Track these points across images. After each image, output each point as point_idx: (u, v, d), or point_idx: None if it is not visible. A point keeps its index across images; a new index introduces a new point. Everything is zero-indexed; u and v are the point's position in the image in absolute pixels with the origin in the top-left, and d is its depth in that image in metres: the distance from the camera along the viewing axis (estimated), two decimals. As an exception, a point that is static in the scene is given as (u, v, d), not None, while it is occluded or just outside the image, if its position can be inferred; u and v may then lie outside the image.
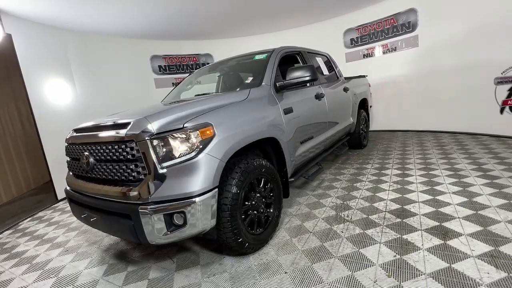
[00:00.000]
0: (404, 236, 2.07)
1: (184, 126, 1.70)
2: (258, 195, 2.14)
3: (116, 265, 2.24)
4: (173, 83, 6.66)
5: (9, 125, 5.31)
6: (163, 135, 1.66)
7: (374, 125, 6.72)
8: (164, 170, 1.65)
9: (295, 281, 1.75)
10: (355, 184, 3.28)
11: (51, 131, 4.38)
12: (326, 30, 6.69)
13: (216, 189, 1.75)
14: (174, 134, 1.68)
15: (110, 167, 1.82)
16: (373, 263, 1.81)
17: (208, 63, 6.70)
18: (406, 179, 3.24)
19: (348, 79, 4.68)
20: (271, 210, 2.30)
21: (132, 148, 1.70)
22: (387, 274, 1.68)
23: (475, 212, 2.28)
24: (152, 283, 1.93)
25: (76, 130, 2.20)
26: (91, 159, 1.93)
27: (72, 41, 5.07)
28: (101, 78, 5.54)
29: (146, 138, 1.65)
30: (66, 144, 2.23)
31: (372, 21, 6.12)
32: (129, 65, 6.08)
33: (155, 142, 1.65)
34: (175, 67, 6.81)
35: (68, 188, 2.27)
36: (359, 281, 1.66)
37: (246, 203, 2.02)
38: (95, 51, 5.48)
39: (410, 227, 2.18)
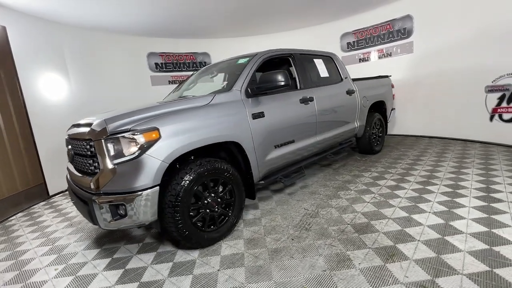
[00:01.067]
0: (348, 252, 2.02)
1: (131, 129, 1.93)
2: (213, 195, 2.29)
3: (95, 242, 2.63)
4: (169, 81, 6.69)
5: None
6: (114, 136, 1.92)
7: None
8: (113, 167, 1.91)
9: (221, 279, 1.87)
10: (339, 192, 3.19)
11: (44, 126, 4.38)
12: (324, 33, 6.82)
13: (157, 187, 1.95)
14: (123, 136, 1.92)
15: (81, 160, 2.16)
16: (294, 275, 1.84)
17: (205, 62, 7.00)
18: (395, 191, 3.04)
19: (359, 80, 4.43)
20: (230, 210, 2.43)
21: (91, 146, 2.00)
22: None
23: (441, 237, 2.08)
24: (114, 261, 2.25)
25: (72, 125, 2.61)
26: (72, 152, 2.30)
27: (68, 36, 4.98)
28: (97, 74, 5.47)
29: (101, 138, 1.93)
30: (66, 137, 2.67)
31: (368, 26, 6.22)
32: (125, 61, 6.00)
33: (107, 141, 1.92)
34: (171, 65, 6.74)
35: (68, 176, 2.71)
36: (274, 289, 1.72)
37: (199, 202, 2.20)
38: (91, 47, 5.39)
39: (360, 244, 2.11)
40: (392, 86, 5.23)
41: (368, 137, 4.49)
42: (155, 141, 1.95)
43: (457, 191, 2.88)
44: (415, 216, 2.44)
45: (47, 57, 4.62)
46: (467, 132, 5.08)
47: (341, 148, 4.08)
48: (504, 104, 4.43)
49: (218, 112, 2.37)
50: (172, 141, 2.02)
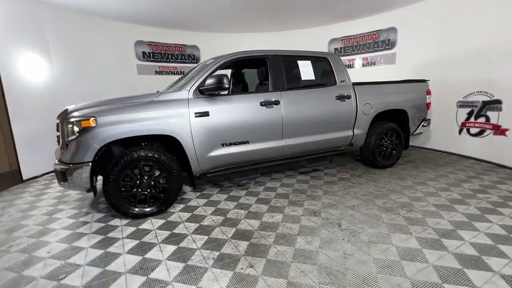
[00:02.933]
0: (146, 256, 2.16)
1: (76, 116, 2.54)
2: (145, 178, 2.74)
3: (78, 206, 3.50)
4: (156, 71, 6.63)
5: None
6: (67, 120, 2.57)
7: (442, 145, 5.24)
8: (66, 143, 2.58)
9: (117, 243, 2.34)
10: (261, 205, 3.16)
11: (21, 108, 4.26)
12: (313, 36, 6.93)
13: (89, 163, 2.52)
14: (72, 120, 2.54)
15: (58, 137, 2.94)
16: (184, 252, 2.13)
17: (194, 55, 7.13)
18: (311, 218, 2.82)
19: (364, 84, 3.99)
20: (162, 194, 2.85)
21: (58, 125, 2.72)
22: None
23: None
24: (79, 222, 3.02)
25: None
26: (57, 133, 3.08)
27: (52, 17, 4.75)
28: (81, 58, 5.26)
29: (62, 120, 2.61)
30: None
31: (356, 34, 6.49)
32: (112, 48, 5.83)
33: (64, 123, 2.59)
34: (159, 55, 6.64)
35: None
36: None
37: (130, 181, 2.70)
38: (77, 29, 5.20)
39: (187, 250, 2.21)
40: (428, 93, 4.43)
41: (372, 149, 4.04)
42: (92, 127, 2.51)
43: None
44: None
45: (28, 36, 4.39)
46: (440, 144, 5.24)
47: (323, 155, 3.86)
48: (472, 119, 4.69)
49: (157, 109, 2.76)
50: (106, 129, 2.54)
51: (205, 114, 2.91)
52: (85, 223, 2.78)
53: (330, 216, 2.71)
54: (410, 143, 5.60)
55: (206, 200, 3.25)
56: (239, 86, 4.46)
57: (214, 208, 3.01)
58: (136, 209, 2.75)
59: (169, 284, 1.81)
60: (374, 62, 6.32)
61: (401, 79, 4.57)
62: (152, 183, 2.79)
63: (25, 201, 3.49)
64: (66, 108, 2.83)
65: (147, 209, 2.81)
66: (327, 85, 3.71)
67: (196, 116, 2.87)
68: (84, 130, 2.50)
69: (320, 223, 2.56)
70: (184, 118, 2.83)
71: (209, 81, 2.85)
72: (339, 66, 3.82)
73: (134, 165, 2.68)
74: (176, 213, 2.93)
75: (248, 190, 3.52)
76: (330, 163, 4.67)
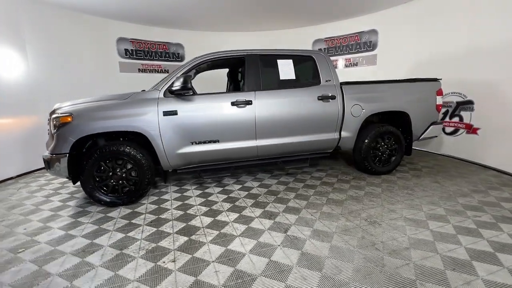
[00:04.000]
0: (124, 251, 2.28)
1: (58, 112, 2.88)
2: (117, 170, 3.00)
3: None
4: (139, 69, 6.49)
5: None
6: (52, 116, 2.94)
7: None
8: (52, 136, 2.95)
9: (84, 227, 2.62)
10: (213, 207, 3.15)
11: None
12: (298, 37, 6.97)
13: (66, 155, 2.85)
14: (54, 116, 2.90)
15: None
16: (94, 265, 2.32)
17: (178, 53, 7.06)
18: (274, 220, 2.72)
19: (355, 84, 3.72)
20: (132, 186, 3.08)
21: (48, 120, 3.12)
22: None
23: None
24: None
25: None
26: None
27: (27, 10, 4.57)
28: (59, 54, 5.09)
29: (50, 116, 3.00)
30: None
31: (339, 35, 6.68)
32: (92, 44, 5.68)
33: (51, 119, 2.97)
34: (143, 52, 6.51)
35: None
36: (83, 245, 2.31)
37: (103, 172, 2.98)
38: (55, 25, 5.00)
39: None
40: (439, 94, 3.96)
41: (364, 153, 3.77)
42: (68, 123, 2.83)
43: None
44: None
45: (0, 30, 4.19)
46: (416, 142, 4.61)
47: (303, 158, 3.72)
48: (447, 118, 4.86)
49: (128, 108, 2.98)
50: (80, 125, 2.83)
51: (174, 113, 3.05)
52: (67, 206, 3.15)
53: (284, 220, 2.63)
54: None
55: (180, 195, 3.41)
56: (232, 86, 4.51)
57: (181, 203, 3.15)
58: (107, 198, 3.02)
59: (94, 268, 1.99)
60: (357, 63, 6.53)
61: (409, 78, 4.13)
62: (124, 175, 3.04)
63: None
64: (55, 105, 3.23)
65: (118, 199, 3.06)
66: (310, 85, 3.56)
67: (164, 115, 3.02)
68: (62, 125, 2.84)
69: (268, 227, 2.52)
70: (152, 116, 3.00)
71: (177, 82, 2.98)
72: (326, 65, 3.63)
73: (107, 158, 2.95)
74: (146, 204, 3.14)
75: (224, 188, 3.58)
76: (323, 166, 4.48)
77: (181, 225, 2.62)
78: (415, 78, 4.02)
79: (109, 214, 2.90)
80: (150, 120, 3.00)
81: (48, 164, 2.92)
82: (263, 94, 3.34)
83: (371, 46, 6.21)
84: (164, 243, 2.30)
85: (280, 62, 3.47)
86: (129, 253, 2.17)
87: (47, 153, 2.98)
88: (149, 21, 6.21)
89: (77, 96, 3.64)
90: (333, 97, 3.54)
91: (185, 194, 3.43)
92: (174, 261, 2.04)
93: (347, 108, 3.62)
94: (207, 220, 2.70)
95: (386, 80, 3.90)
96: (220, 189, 3.54)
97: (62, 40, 5.16)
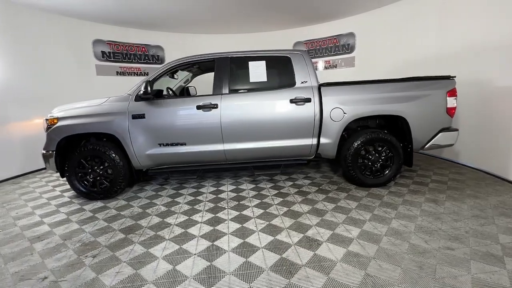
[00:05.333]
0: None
1: (48, 116, 3.34)
2: (94, 167, 3.35)
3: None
4: (117, 72, 6.33)
5: None
6: (45, 119, 3.42)
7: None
8: (47, 135, 3.45)
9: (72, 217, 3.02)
10: (172, 207, 3.13)
11: None
12: (279, 39, 6.87)
13: (53, 151, 3.28)
14: (45, 119, 3.37)
15: None
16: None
17: (158, 56, 6.94)
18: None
19: (338, 85, 3.35)
20: (108, 183, 3.39)
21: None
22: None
23: (139, 270, 2.00)
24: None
25: None
26: None
27: None
28: (31, 57, 4.89)
29: (44, 118, 3.51)
30: None
31: (318, 38, 6.79)
32: (67, 46, 5.47)
33: (44, 121, 3.45)
34: (121, 55, 6.33)
35: None
36: (43, 232, 2.65)
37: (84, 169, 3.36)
38: (25, 26, 4.78)
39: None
40: (452, 94, 3.31)
41: (349, 162, 3.39)
42: (54, 124, 3.27)
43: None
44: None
45: None
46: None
47: (276, 164, 3.52)
48: None
49: (102, 111, 3.28)
50: (62, 127, 3.25)
51: (142, 116, 3.24)
52: (62, 196, 3.64)
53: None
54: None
55: (154, 193, 3.60)
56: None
57: (149, 201, 3.32)
58: (86, 190, 3.38)
59: (32, 254, 2.28)
60: (336, 65, 6.69)
61: (414, 76, 3.53)
62: (101, 172, 3.36)
63: None
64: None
65: (95, 193, 3.40)
66: (283, 87, 3.35)
67: (133, 118, 3.24)
68: (49, 127, 3.29)
69: (179, 233, 2.48)
70: (123, 120, 3.24)
71: (142, 87, 3.15)
72: (303, 66, 3.36)
73: (86, 156, 3.31)
74: (121, 200, 3.42)
75: (198, 190, 3.64)
76: (316, 173, 4.17)
77: (130, 222, 2.78)
78: (420, 77, 3.42)
79: (85, 206, 3.25)
80: (121, 123, 3.24)
81: (43, 159, 3.42)
82: (230, 98, 3.28)
83: (349, 48, 6.42)
84: (101, 238, 2.48)
85: (251, 64, 3.35)
86: (67, 244, 2.41)
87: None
88: (127, 23, 6.04)
89: (50, 99, 4.18)
90: (308, 100, 3.26)
91: (160, 193, 3.60)
92: (94, 256, 2.19)
93: (326, 112, 3.29)
94: (156, 220, 2.80)
95: (376, 80, 3.41)
96: (194, 190, 3.62)
97: (34, 42, 4.95)
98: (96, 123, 3.25)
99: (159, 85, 3.63)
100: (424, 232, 2.35)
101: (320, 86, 3.35)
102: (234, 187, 3.69)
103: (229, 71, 3.34)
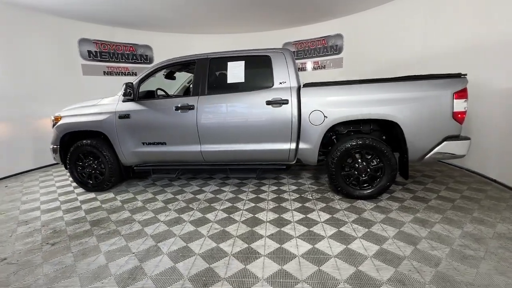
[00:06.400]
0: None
1: (56, 114, 3.77)
2: (90, 161, 3.68)
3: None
4: (104, 72, 6.20)
5: None
6: (52, 116, 3.85)
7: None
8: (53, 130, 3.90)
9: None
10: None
11: None
12: (268, 40, 6.68)
13: (58, 146, 3.70)
14: (52, 116, 3.81)
15: None
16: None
17: (146, 55, 6.82)
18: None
19: (321, 85, 3.07)
20: (102, 176, 3.70)
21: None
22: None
23: (78, 262, 2.14)
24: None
25: None
26: None
27: None
28: (14, 56, 4.82)
29: (52, 116, 3.96)
30: None
31: (307, 39, 6.82)
32: (51, 46, 5.34)
33: (51, 118, 3.90)
34: (108, 54, 6.20)
35: None
36: (33, 217, 3.03)
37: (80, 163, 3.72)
38: (8, 25, 4.72)
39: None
40: (460, 96, 2.78)
41: (331, 171, 3.10)
42: (58, 122, 3.68)
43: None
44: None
45: None
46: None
47: (252, 168, 3.39)
48: None
49: (95, 110, 3.57)
50: (63, 124, 3.63)
51: (127, 116, 3.44)
52: (69, 186, 4.09)
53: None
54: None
55: (142, 189, 3.80)
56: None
57: (133, 197, 3.53)
58: (82, 182, 3.74)
59: (11, 236, 2.61)
60: (324, 65, 6.72)
61: (415, 74, 3.03)
62: (95, 166, 3.68)
63: None
64: None
65: (91, 185, 3.74)
66: (261, 88, 3.20)
67: (119, 118, 3.46)
68: (55, 124, 3.72)
69: (136, 230, 2.54)
70: (111, 119, 3.49)
71: (122, 89, 3.33)
72: (282, 65, 3.15)
73: (82, 152, 3.65)
74: (111, 193, 3.70)
75: (181, 188, 3.74)
76: (308, 178, 3.91)
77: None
78: (420, 75, 2.92)
79: (80, 197, 3.60)
80: (109, 122, 3.49)
81: (52, 152, 3.88)
82: (206, 99, 3.26)
83: (337, 49, 6.48)
84: (69, 228, 2.72)
85: (230, 64, 3.28)
86: (33, 232, 2.70)
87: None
88: (114, 22, 5.90)
89: (32, 99, 4.52)
90: (285, 102, 3.06)
91: (147, 189, 3.79)
92: (53, 244, 2.42)
93: (305, 114, 3.04)
94: (115, 216, 2.96)
95: (363, 80, 3.01)
96: (178, 188, 3.72)
97: (17, 41, 4.85)
98: (89, 121, 3.56)
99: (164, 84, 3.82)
100: (382, 259, 2.02)
101: (300, 87, 3.11)
102: (217, 188, 3.68)
103: (207, 72, 3.32)
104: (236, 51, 3.35)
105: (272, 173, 4.20)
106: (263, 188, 3.62)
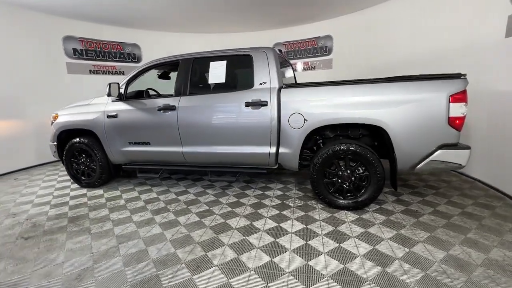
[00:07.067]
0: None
1: (54, 113, 3.96)
2: (83, 160, 3.83)
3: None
4: (90, 71, 6.01)
5: None
6: (52, 115, 4.06)
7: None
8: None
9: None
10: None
11: None
12: (259, 40, 6.63)
13: (55, 142, 3.88)
14: (52, 115, 4.00)
15: None
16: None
17: (134, 54, 6.63)
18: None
19: (304, 86, 2.88)
20: (94, 173, 3.83)
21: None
22: None
23: (39, 258, 2.20)
24: (81, 175, 4.62)
25: None
26: None
27: None
28: None
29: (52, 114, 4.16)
30: None
31: (297, 39, 6.85)
32: (33, 43, 5.12)
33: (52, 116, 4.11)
34: (94, 52, 6.03)
35: None
36: (23, 210, 3.20)
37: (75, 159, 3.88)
38: None
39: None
40: (457, 99, 2.47)
41: (313, 178, 2.91)
42: (55, 120, 3.86)
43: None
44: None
45: None
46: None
47: (233, 171, 3.27)
48: None
49: (87, 109, 3.68)
50: (60, 122, 3.79)
51: (115, 116, 3.51)
52: (69, 181, 4.29)
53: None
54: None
55: (131, 187, 3.87)
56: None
57: (119, 194, 3.60)
58: (76, 178, 3.89)
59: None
60: (314, 66, 6.74)
61: (411, 75, 2.74)
62: (88, 164, 3.82)
63: None
64: None
65: (83, 181, 3.88)
66: (241, 88, 3.08)
67: (107, 117, 3.54)
68: (53, 122, 3.90)
69: (105, 230, 2.55)
70: (100, 118, 3.58)
71: (107, 89, 3.39)
72: (264, 65, 3.00)
73: (76, 150, 3.80)
74: (101, 190, 3.80)
75: (168, 188, 3.74)
76: (298, 183, 3.73)
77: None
78: (406, 76, 2.63)
79: (88, 192, 3.75)
80: (99, 121, 3.58)
81: (51, 149, 4.08)
82: (187, 100, 3.22)
83: (327, 50, 6.50)
84: (49, 222, 2.83)
85: (212, 64, 3.19)
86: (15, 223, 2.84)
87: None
88: (100, 19, 5.73)
89: (13, 98, 4.55)
90: (264, 104, 2.91)
91: (136, 187, 3.85)
92: (26, 237, 2.52)
93: (284, 117, 2.88)
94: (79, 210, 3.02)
95: (347, 81, 2.77)
96: (163, 188, 3.74)
97: None
98: (81, 120, 3.69)
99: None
100: (340, 281, 1.82)
101: (281, 88, 2.95)
102: (202, 190, 3.64)
103: (190, 72, 3.27)
104: (219, 50, 3.26)
105: (261, 177, 4.06)
106: (247, 191, 3.51)
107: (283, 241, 2.33)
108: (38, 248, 2.34)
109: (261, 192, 3.47)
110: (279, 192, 3.45)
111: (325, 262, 2.02)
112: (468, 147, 2.52)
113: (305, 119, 2.80)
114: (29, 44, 5.09)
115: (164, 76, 4.25)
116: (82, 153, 3.81)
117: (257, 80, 3.01)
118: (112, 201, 3.37)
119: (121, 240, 2.43)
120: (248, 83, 3.07)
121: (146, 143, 3.46)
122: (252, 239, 2.38)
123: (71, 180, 4.20)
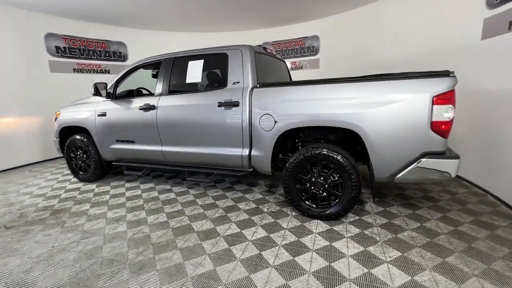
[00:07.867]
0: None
1: (57, 110, 4.23)
2: (79, 154, 4.05)
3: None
4: (74, 69, 5.84)
5: None
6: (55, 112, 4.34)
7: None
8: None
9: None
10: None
11: None
12: (247, 40, 5.91)
13: (58, 139, 4.15)
14: (55, 112, 4.28)
15: None
16: (26, 204, 3.34)
17: (120, 52, 6.50)
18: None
19: (277, 85, 2.71)
20: (89, 168, 4.03)
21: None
22: None
23: (7, 248, 2.35)
24: (86, 169, 4.91)
25: None
26: None
27: None
28: None
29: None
30: None
31: (285, 39, 6.88)
32: (14, 40, 4.95)
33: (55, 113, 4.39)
34: (78, 51, 5.87)
35: None
36: (20, 200, 3.47)
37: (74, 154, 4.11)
38: None
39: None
40: (442, 101, 2.16)
41: (285, 182, 2.75)
42: (58, 117, 4.12)
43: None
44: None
45: None
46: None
47: (209, 172, 3.20)
48: None
49: (82, 108, 3.87)
50: (61, 119, 4.04)
51: (104, 114, 3.64)
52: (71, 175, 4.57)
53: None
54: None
55: (122, 183, 4.00)
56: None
57: (108, 190, 3.74)
58: (74, 172, 4.13)
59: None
60: (302, 66, 6.78)
61: (400, 72, 2.45)
62: (84, 159, 4.03)
63: None
64: None
65: (81, 175, 4.10)
66: (216, 88, 2.99)
67: (98, 115, 3.69)
68: (56, 119, 4.17)
69: (80, 223, 2.63)
70: (92, 116, 3.74)
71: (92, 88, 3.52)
72: (238, 64, 2.88)
73: (74, 146, 4.03)
74: (93, 184, 3.99)
75: (155, 185, 3.81)
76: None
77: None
78: (384, 74, 2.33)
79: (83, 186, 3.99)
80: (91, 119, 3.75)
81: (55, 144, 4.37)
82: (166, 99, 3.22)
83: (314, 50, 6.58)
84: (36, 218, 3.03)
85: (190, 63, 3.15)
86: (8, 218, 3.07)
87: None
88: (85, 16, 5.57)
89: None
90: (235, 104, 2.80)
91: (127, 184, 3.98)
92: (8, 230, 2.72)
93: (255, 118, 2.74)
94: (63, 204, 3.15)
95: (319, 80, 2.53)
96: (149, 185, 3.80)
97: None
98: (76, 118, 3.89)
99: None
100: (272, 299, 1.67)
101: (254, 87, 2.81)
102: (186, 189, 3.64)
103: (170, 71, 3.27)
104: (197, 49, 3.21)
105: (248, 179, 3.95)
106: (228, 193, 3.43)
107: (237, 249, 2.22)
108: (12, 238, 2.51)
109: (241, 195, 3.37)
110: (259, 196, 3.32)
111: (268, 276, 1.87)
112: (457, 157, 2.17)
113: (275, 121, 2.63)
114: (8, 41, 4.89)
115: (157, 75, 4.31)
116: (79, 149, 4.02)
117: (230, 79, 2.91)
118: (98, 196, 3.51)
119: (85, 236, 2.50)
120: (222, 83, 2.98)
121: (131, 142, 3.54)
122: (207, 244, 2.30)
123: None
